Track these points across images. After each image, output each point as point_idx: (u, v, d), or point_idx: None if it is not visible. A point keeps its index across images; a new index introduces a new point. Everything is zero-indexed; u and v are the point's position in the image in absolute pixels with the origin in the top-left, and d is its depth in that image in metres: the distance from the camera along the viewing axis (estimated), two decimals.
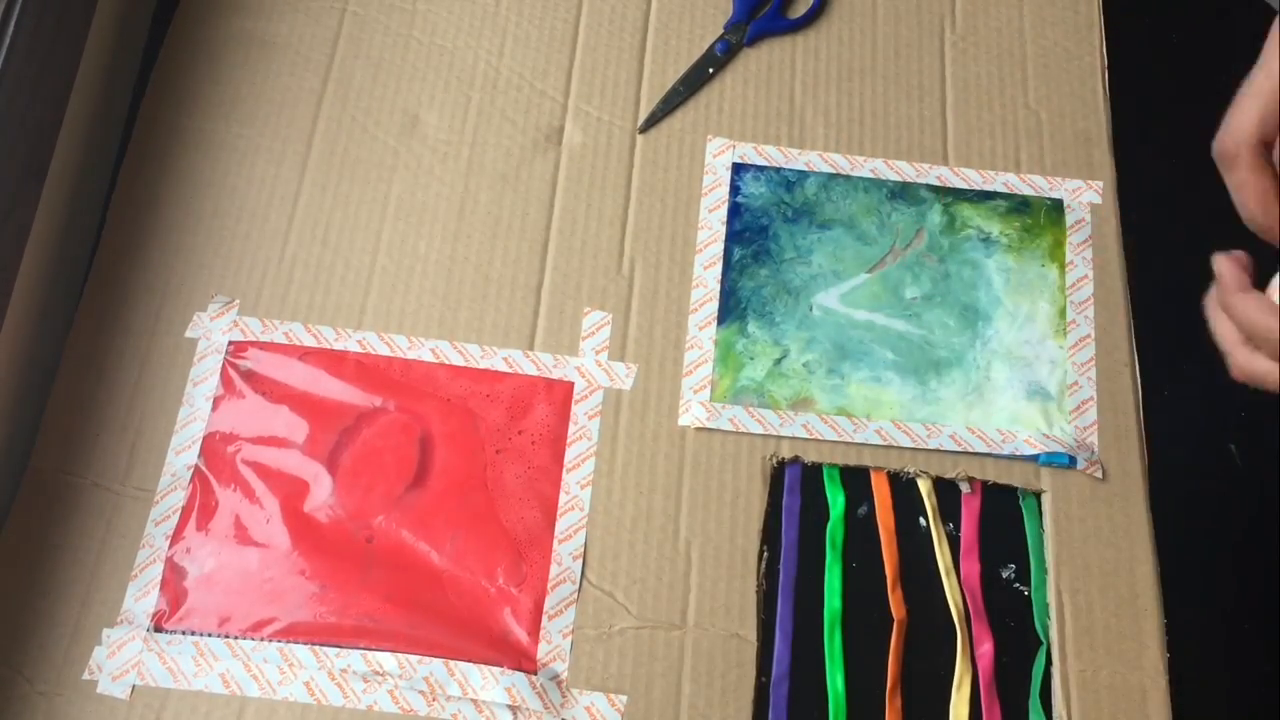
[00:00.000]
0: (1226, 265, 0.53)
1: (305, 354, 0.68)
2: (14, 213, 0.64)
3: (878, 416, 0.68)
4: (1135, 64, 0.80)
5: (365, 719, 0.60)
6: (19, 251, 0.64)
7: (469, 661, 0.61)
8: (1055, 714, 0.62)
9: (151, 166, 0.73)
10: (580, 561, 0.64)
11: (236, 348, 0.68)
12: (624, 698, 0.61)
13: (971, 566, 0.65)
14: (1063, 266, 0.73)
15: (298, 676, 0.61)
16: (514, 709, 0.60)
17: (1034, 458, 0.67)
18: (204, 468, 0.65)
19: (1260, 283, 0.53)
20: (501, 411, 0.67)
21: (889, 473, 0.67)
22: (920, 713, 0.62)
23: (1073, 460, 0.67)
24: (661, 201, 0.74)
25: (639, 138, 0.76)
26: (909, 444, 0.67)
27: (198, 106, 0.75)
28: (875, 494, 0.67)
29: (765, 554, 0.65)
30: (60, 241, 0.71)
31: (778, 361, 0.69)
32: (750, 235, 0.73)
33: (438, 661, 0.61)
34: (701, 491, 0.66)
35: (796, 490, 0.67)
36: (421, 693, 0.60)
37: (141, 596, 0.62)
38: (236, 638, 0.61)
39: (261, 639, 0.61)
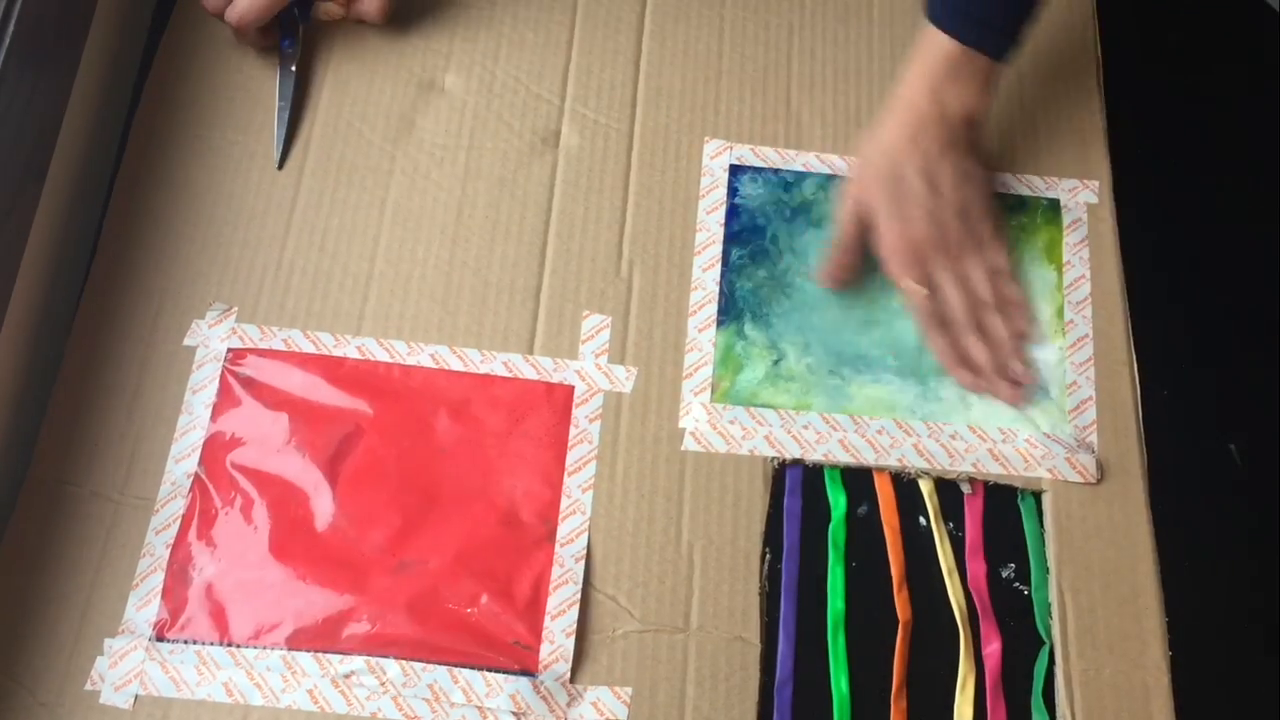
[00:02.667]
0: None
1: (304, 361, 0.68)
2: (14, 213, 0.64)
3: (878, 416, 0.68)
4: (1131, 64, 0.80)
5: None
6: (19, 252, 0.64)
7: (472, 667, 0.61)
8: (1059, 713, 0.62)
9: (147, 173, 0.73)
10: (582, 564, 0.64)
11: (235, 355, 0.68)
12: (629, 689, 0.61)
13: (978, 567, 0.65)
14: (1060, 266, 0.73)
15: (301, 684, 0.60)
16: (518, 714, 0.60)
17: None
18: (204, 476, 0.65)
19: None
20: (502, 416, 0.67)
21: (891, 473, 0.67)
22: (925, 713, 0.62)
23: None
24: (659, 204, 0.74)
25: (636, 140, 0.76)
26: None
27: (193, 113, 0.75)
28: (878, 494, 0.67)
29: (767, 556, 0.65)
30: (60, 243, 0.71)
31: (777, 362, 0.69)
32: (748, 236, 0.73)
33: (441, 668, 0.61)
34: (703, 494, 0.66)
35: (798, 491, 0.67)
36: (425, 700, 0.60)
37: (143, 606, 0.62)
38: (239, 646, 0.61)
39: (264, 647, 0.61)
